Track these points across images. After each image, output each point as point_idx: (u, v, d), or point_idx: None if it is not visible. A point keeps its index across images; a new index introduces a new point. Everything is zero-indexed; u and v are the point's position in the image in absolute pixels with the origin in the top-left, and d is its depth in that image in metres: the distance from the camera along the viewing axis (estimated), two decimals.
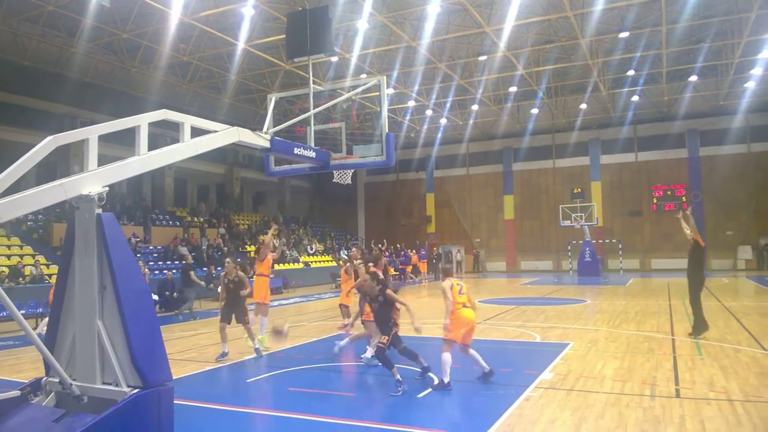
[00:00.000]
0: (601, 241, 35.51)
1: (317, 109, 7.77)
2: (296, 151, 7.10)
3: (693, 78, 30.18)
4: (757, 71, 28.16)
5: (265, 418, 6.66)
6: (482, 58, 27.04)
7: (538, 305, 18.03)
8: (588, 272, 31.62)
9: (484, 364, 8.10)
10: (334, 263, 33.63)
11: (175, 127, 5.96)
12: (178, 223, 29.05)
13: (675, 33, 24.74)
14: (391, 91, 30.44)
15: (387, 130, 7.64)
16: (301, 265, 30.93)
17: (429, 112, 35.22)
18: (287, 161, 8.31)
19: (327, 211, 46.03)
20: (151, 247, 25.84)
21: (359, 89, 8.47)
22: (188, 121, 5.86)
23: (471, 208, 42.39)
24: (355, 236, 43.80)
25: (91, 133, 4.90)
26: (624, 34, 24.45)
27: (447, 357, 7.75)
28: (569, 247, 35.61)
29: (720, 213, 35.27)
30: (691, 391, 7.18)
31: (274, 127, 7.61)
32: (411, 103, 33.33)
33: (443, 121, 37.31)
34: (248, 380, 8.51)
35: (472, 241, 41.74)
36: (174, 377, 8.83)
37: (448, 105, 34.56)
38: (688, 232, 12.32)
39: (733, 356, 9.24)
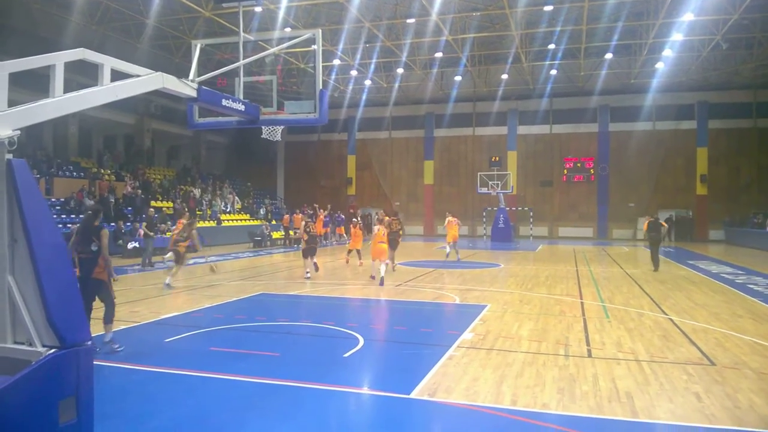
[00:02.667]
0: (514, 208, 36.88)
1: (248, 60, 7.37)
2: (224, 102, 6.72)
3: (608, 55, 31.44)
4: (667, 53, 29.71)
5: (187, 379, 6.44)
6: (410, 20, 26.82)
7: (454, 269, 18.52)
8: (501, 238, 32.85)
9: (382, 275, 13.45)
10: (251, 222, 32.93)
11: (86, 72, 5.48)
12: (83, 175, 27.27)
13: (595, 10, 25.58)
14: (314, 47, 29.55)
15: (321, 87, 7.39)
16: (213, 223, 30.00)
17: (354, 73, 34.71)
18: (212, 113, 7.89)
19: (245, 169, 44.70)
20: (53, 199, 24.18)
21: (293, 41, 8.12)
22: (109, 62, 5.38)
23: (392, 172, 42.63)
24: (274, 196, 42.99)
25: (2, 70, 4.38)
26: (548, 8, 24.97)
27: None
28: (484, 214, 36.75)
29: (624, 186, 37.48)
30: (602, 352, 7.64)
31: (199, 75, 7.19)
32: (336, 62, 32.68)
33: (368, 82, 36.92)
34: (167, 340, 8.19)
35: (392, 204, 42.09)
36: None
37: (372, 66, 34.20)
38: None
39: (637, 319, 9.91)
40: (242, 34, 7.35)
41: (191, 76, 6.64)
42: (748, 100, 35.60)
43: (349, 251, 19.42)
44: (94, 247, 7.33)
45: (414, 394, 5.87)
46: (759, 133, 35.33)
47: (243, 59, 7.34)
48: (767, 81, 34.17)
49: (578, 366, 6.95)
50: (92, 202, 24.35)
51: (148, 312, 10.22)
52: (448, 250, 21.24)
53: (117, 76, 5.70)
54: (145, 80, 5.88)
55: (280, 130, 8.33)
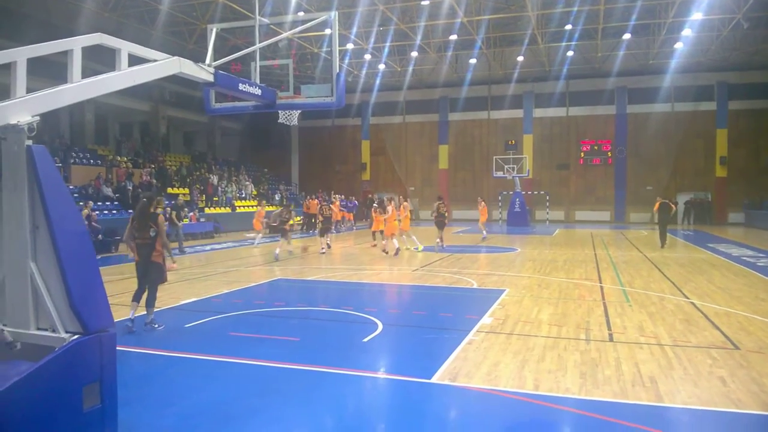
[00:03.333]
0: (530, 192, 36.57)
1: (263, 43, 7.29)
2: (241, 87, 6.67)
3: (626, 36, 30.85)
4: (687, 32, 29.08)
5: (208, 364, 6.47)
6: (424, 2, 26.49)
7: (471, 253, 18.45)
8: (517, 222, 32.62)
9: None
10: (267, 208, 32.96)
11: (102, 59, 5.45)
12: (99, 162, 27.46)
13: None
14: (329, 31, 29.36)
15: (338, 70, 7.29)
16: (228, 210, 30.10)
17: (368, 57, 34.45)
18: (228, 98, 7.85)
19: (259, 155, 44.76)
20: (71, 187, 24.36)
21: (308, 24, 7.96)
22: (126, 47, 5.35)
23: (406, 157, 42.44)
24: (288, 182, 43.05)
25: (20, 56, 4.35)
26: None
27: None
28: (500, 198, 36.51)
29: (642, 169, 36.98)
30: (624, 336, 7.56)
31: (215, 60, 7.14)
32: (350, 46, 32.40)
33: (381, 66, 36.64)
34: (186, 325, 8.24)
35: (406, 189, 41.98)
36: None
37: (386, 50, 33.90)
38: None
39: (658, 303, 9.79)
40: (258, 17, 7.27)
41: (207, 60, 6.59)
42: None
43: (373, 233, 20.52)
44: (152, 233, 7.80)
45: (435, 379, 5.84)
46: None
47: (259, 43, 7.26)
48: None
49: (600, 350, 6.88)
50: (109, 190, 24.60)
51: (169, 297, 10.28)
52: (484, 233, 23.60)
53: (134, 61, 5.68)
54: (163, 65, 5.85)
55: (296, 115, 8.28)
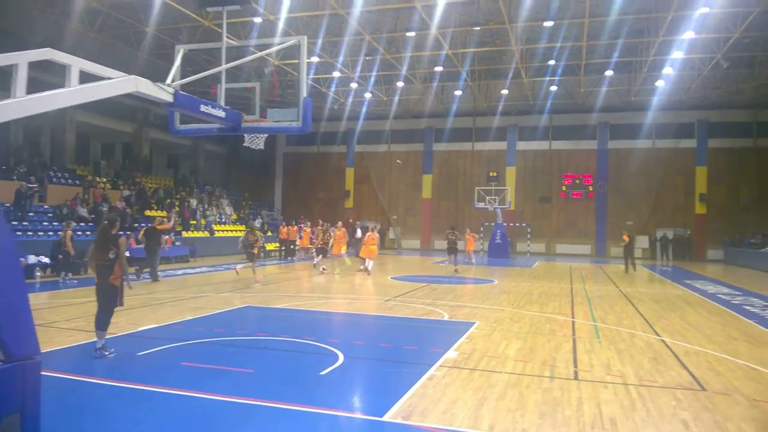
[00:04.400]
0: (511, 224, 36.63)
1: (229, 65, 7.17)
2: (203, 108, 6.52)
3: (609, 73, 31.37)
4: (668, 71, 29.65)
5: (152, 396, 6.17)
6: (410, 34, 26.76)
7: (448, 284, 18.26)
8: (498, 254, 32.55)
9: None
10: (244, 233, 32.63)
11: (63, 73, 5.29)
12: (78, 182, 27.09)
13: (596, 26, 25.52)
14: (316, 59, 29.61)
15: (305, 95, 7.19)
16: (206, 234, 29.73)
17: (354, 85, 34.66)
18: (195, 120, 7.70)
19: (243, 179, 44.56)
20: (45, 206, 23.96)
21: (276, 47, 7.90)
22: (76, 63, 5.19)
23: (390, 185, 42.46)
24: (271, 207, 42.79)
25: None
26: (549, 23, 24.90)
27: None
28: (482, 229, 36.48)
29: (622, 204, 37.27)
30: (589, 374, 7.36)
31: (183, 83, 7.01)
32: (336, 74, 32.63)
33: (368, 95, 36.86)
34: (139, 353, 7.92)
35: (389, 218, 41.89)
36: (57, 347, 8.18)
37: (372, 79, 34.15)
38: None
39: (628, 340, 9.63)
40: (225, 38, 7.16)
41: (169, 80, 6.46)
42: (748, 119, 35.46)
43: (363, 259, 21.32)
44: (111, 255, 7.70)
45: (387, 417, 5.59)
46: (759, 153, 35.15)
47: (225, 65, 7.14)
48: None
49: (563, 389, 6.67)
50: (84, 211, 24.21)
51: (127, 323, 9.95)
52: (473, 260, 26.04)
53: (88, 78, 5.52)
54: (117, 83, 5.69)
55: (263, 139, 8.12)
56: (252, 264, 17.22)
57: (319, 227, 23.67)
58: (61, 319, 10.46)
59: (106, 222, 8.04)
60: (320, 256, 21.84)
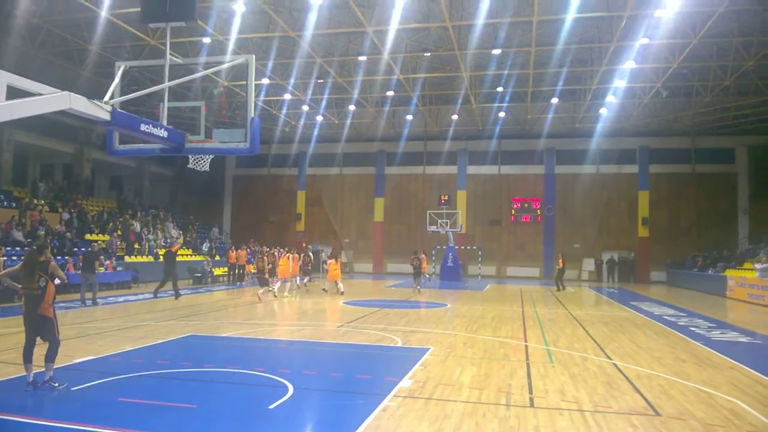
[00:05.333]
0: (463, 247, 36.87)
1: (172, 83, 6.84)
2: (143, 127, 6.17)
3: (554, 100, 32.26)
4: (610, 99, 30.72)
5: None
6: (362, 58, 26.84)
7: (401, 308, 18.04)
8: (450, 277, 32.63)
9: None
10: (193, 258, 31.67)
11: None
12: (14, 205, 25.73)
13: (542, 55, 26.23)
14: (266, 81, 29.29)
15: (253, 115, 6.92)
16: (150, 258, 28.64)
17: (305, 108, 34.45)
18: (137, 140, 7.31)
19: (190, 202, 43.46)
20: None
21: (224, 65, 7.62)
22: (4, 78, 4.80)
23: (342, 209, 42.20)
24: (220, 230, 41.79)
25: None
26: (497, 51, 25.42)
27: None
28: (434, 252, 36.57)
29: (569, 227, 38.12)
30: (545, 401, 7.24)
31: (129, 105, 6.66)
32: (287, 96, 32.35)
33: (320, 118, 36.70)
34: (73, 388, 7.35)
35: (341, 241, 41.54)
36: None
37: (324, 102, 34.04)
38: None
39: (581, 364, 9.61)
40: (168, 55, 6.84)
41: (107, 97, 6.09)
42: (687, 146, 37.03)
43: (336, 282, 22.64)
44: (42, 283, 7.25)
45: None
46: (697, 178, 36.70)
47: (168, 82, 6.81)
48: (705, 128, 35.73)
49: (519, 417, 6.52)
50: (20, 234, 22.95)
51: (61, 355, 9.14)
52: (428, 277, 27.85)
53: (18, 94, 5.11)
54: (49, 99, 5.31)
55: (208, 160, 7.78)
56: (266, 288, 19.88)
57: (263, 253, 22.56)
58: None
59: (34, 247, 7.53)
60: (265, 287, 20.69)
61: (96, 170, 36.11)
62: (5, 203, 25.51)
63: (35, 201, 26.93)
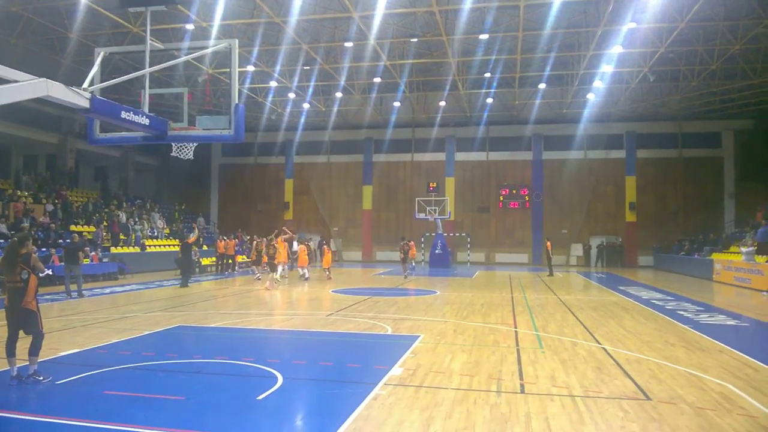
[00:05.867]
0: (451, 234, 36.89)
1: (153, 68, 6.68)
2: (124, 115, 6.01)
3: (542, 85, 32.19)
4: (598, 84, 30.68)
5: (68, 430, 5.56)
6: (348, 44, 26.57)
7: (390, 296, 18.01)
8: (439, 264, 32.65)
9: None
10: (179, 248, 31.31)
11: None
12: None
13: (529, 40, 26.10)
14: (251, 68, 28.93)
15: (237, 101, 6.76)
16: (137, 249, 28.36)
17: (292, 95, 34.12)
18: (118, 128, 7.13)
19: (176, 192, 42.99)
20: None
21: (206, 50, 7.44)
22: None
23: (330, 197, 42.01)
24: (207, 220, 41.46)
25: None
26: (484, 36, 25.26)
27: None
28: (422, 239, 36.57)
29: (557, 213, 38.24)
30: (535, 386, 7.22)
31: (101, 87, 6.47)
32: (273, 84, 32.01)
33: (306, 105, 36.40)
34: (58, 382, 7.22)
35: (330, 229, 41.42)
36: None
37: (311, 89, 33.74)
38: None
39: (571, 349, 9.61)
40: (149, 41, 6.66)
41: (85, 84, 5.92)
42: (674, 131, 37.18)
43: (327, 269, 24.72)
44: (24, 275, 7.14)
45: None
46: (684, 163, 36.89)
47: (149, 68, 6.64)
48: (692, 113, 35.88)
49: (510, 404, 6.49)
50: (3, 227, 22.59)
51: (46, 348, 8.98)
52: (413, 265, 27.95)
53: None
54: (25, 86, 5.13)
55: (192, 148, 7.61)
56: (274, 274, 20.36)
57: (257, 240, 23.97)
58: None
59: (15, 239, 7.36)
60: (272, 274, 20.87)
61: (80, 161, 35.60)
62: None
63: (18, 193, 26.52)
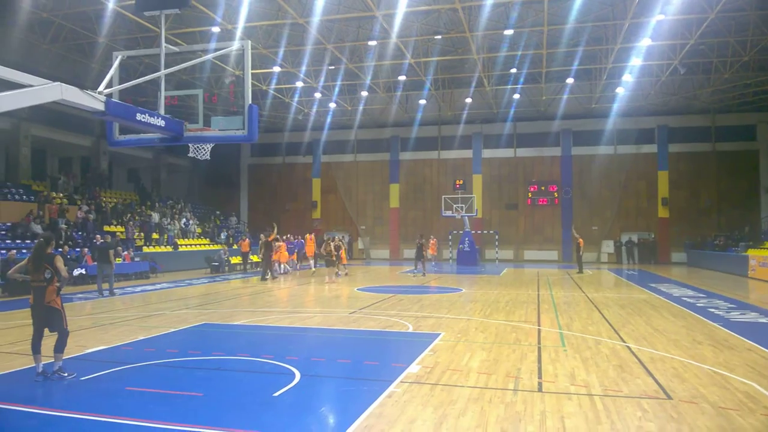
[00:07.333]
0: (479, 231, 36.65)
1: (167, 71, 6.80)
2: (139, 117, 6.13)
3: (570, 80, 31.71)
4: (627, 78, 30.07)
5: (89, 425, 5.71)
6: (372, 43, 26.60)
7: (415, 294, 17.99)
8: (466, 261, 32.45)
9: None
10: (212, 247, 31.89)
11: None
12: (33, 198, 26.10)
13: (555, 35, 25.75)
14: (277, 69, 29.22)
15: (250, 101, 6.83)
16: (169, 249, 28.92)
17: (318, 95, 34.33)
18: (137, 130, 7.28)
19: (207, 192, 43.75)
20: None
21: (220, 52, 7.51)
22: None
23: (357, 195, 42.15)
24: (238, 219, 42.04)
25: None
26: (509, 32, 25.00)
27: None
28: (450, 237, 36.41)
29: (587, 209, 37.64)
30: (554, 385, 7.13)
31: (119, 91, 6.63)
32: (299, 84, 32.26)
33: (332, 105, 36.59)
34: (82, 378, 7.42)
35: (357, 228, 41.57)
36: None
37: (337, 89, 33.89)
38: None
39: (594, 348, 9.46)
40: (163, 43, 6.78)
41: (102, 86, 6.05)
42: (706, 124, 36.23)
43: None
44: (47, 275, 7.34)
45: None
46: (717, 157, 35.93)
47: (165, 71, 6.76)
48: (725, 105, 34.90)
49: (526, 402, 6.42)
50: (39, 228, 23.27)
51: (74, 345, 9.35)
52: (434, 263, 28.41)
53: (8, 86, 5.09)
54: (40, 90, 5.27)
55: (208, 149, 7.71)
56: (333, 269, 23.05)
57: (328, 239, 26.40)
58: (5, 343, 9.87)
59: (41, 239, 7.57)
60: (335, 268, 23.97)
61: (113, 162, 36.49)
62: (24, 197, 25.91)
63: (53, 194, 27.30)
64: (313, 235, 29.20)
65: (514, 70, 30.78)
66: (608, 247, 37.25)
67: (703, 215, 35.75)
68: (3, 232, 22.70)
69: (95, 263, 20.40)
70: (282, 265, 25.90)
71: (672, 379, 7.44)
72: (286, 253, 26.28)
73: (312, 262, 28.07)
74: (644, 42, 24.74)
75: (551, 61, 29.36)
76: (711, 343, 9.90)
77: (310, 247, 28.20)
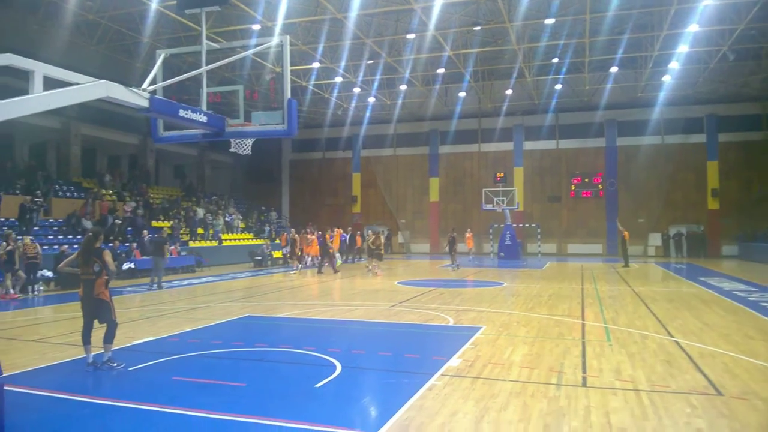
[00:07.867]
0: (521, 225, 36.18)
1: (208, 67, 6.93)
2: (182, 113, 6.27)
3: (614, 69, 30.91)
4: (673, 65, 29.11)
5: (136, 414, 5.89)
6: (410, 36, 26.50)
7: (456, 287, 17.91)
8: (508, 255, 32.08)
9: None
10: (255, 241, 32.43)
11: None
12: (83, 195, 27.04)
13: (598, 22, 25.11)
14: (317, 65, 29.43)
15: (289, 96, 6.90)
16: (215, 243, 29.55)
17: (357, 90, 34.44)
18: (181, 126, 7.43)
19: (250, 188, 44.50)
20: (51, 220, 23.90)
21: (258, 48, 7.61)
22: (40, 69, 4.95)
23: (397, 189, 42.15)
24: (279, 215, 42.63)
25: None
26: (549, 21, 24.51)
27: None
28: (491, 231, 36.06)
29: (633, 201, 36.67)
30: (598, 380, 6.99)
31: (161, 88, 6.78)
32: (338, 79, 32.42)
33: (371, 99, 36.65)
34: (130, 368, 7.65)
35: (398, 222, 41.60)
36: (46, 363, 7.95)
37: (376, 83, 33.90)
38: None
39: (640, 342, 9.23)
40: (204, 41, 6.91)
41: (146, 83, 6.21)
42: (757, 112, 34.77)
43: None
44: (96, 268, 7.55)
45: None
46: None
47: (206, 67, 6.88)
48: None
49: (570, 397, 6.31)
50: (89, 223, 24.09)
51: (123, 336, 9.66)
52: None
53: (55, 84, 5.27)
54: (86, 88, 5.44)
55: (249, 144, 7.82)
56: (380, 262, 23.14)
57: (372, 233, 25.38)
58: (57, 334, 10.26)
59: (91, 234, 7.83)
60: (373, 260, 23.39)
61: (159, 160, 37.45)
62: (75, 194, 26.84)
63: (102, 191, 28.22)
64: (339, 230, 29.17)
65: (555, 60, 30.20)
66: (655, 240, 36.23)
67: (755, 206, 34.27)
68: (56, 228, 23.55)
69: (146, 257, 21.05)
70: (311, 258, 26.32)
71: (722, 374, 7.20)
72: (317, 247, 26.19)
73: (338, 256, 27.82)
74: (691, 28, 23.88)
75: (594, 50, 28.65)
76: (763, 338, 9.53)
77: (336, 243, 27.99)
